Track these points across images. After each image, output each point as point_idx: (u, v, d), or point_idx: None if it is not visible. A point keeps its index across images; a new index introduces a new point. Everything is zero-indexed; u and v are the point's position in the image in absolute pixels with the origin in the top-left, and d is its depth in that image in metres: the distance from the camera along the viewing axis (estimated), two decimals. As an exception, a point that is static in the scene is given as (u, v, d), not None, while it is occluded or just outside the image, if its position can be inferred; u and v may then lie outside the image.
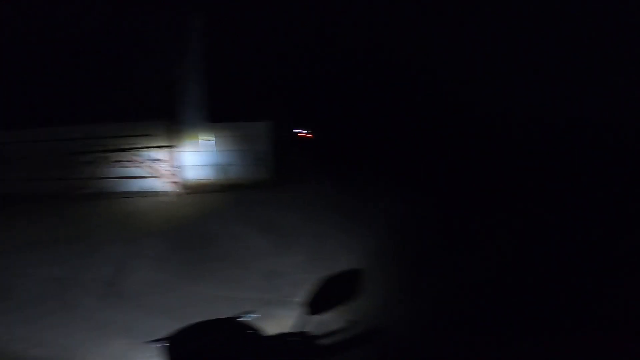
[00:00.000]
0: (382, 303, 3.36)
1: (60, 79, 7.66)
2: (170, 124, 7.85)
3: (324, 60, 11.49)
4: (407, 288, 3.79)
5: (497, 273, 4.01)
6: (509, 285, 3.64)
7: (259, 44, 9.34)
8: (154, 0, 7.43)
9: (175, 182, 7.64)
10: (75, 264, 4.50)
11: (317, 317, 1.13)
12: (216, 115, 7.76)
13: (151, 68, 7.71)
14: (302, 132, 12.24)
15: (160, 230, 5.65)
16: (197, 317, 1.30)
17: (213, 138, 7.63)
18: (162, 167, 7.60)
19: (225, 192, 7.73)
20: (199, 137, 7.60)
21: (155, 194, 7.67)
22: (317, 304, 1.10)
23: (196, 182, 8.16)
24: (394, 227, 5.52)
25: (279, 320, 2.45)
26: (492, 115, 10.06)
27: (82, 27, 7.47)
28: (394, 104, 11.49)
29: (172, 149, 7.81)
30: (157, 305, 3.54)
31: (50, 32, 7.61)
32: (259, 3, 8.53)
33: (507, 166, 7.86)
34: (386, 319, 3.11)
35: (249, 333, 1.18)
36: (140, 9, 7.31)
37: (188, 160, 8.13)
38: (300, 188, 7.94)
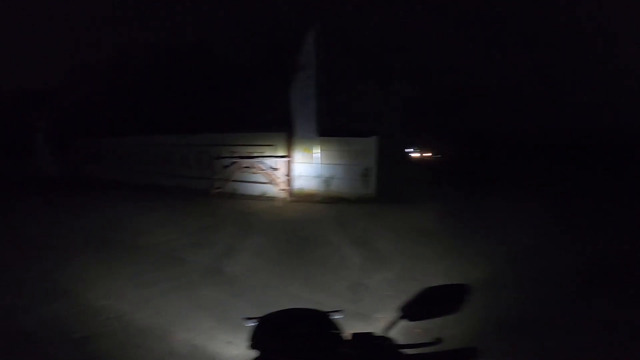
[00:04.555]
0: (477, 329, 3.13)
1: (206, 95, 9.67)
2: (288, 135, 8.88)
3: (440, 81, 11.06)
4: (504, 322, 3.39)
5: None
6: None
7: (376, 60, 9.64)
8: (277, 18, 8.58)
9: (285, 190, 8.55)
10: (194, 249, 5.50)
11: (408, 324, 1.12)
12: (328, 129, 8.37)
13: (276, 83, 8.93)
14: (420, 152, 12.05)
15: (269, 230, 6.44)
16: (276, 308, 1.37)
17: (319, 151, 8.26)
18: (278, 175, 8.62)
19: (328, 204, 8.24)
20: (309, 150, 8.35)
21: (269, 198, 8.75)
22: (413, 310, 1.08)
23: (303, 191, 8.96)
24: (496, 255, 5.00)
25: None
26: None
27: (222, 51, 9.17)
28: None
29: (287, 159, 8.80)
30: (241, 287, 4.06)
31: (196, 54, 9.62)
32: (373, 17, 8.87)
33: None
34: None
35: (333, 330, 1.21)
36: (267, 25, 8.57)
37: (299, 170, 9.00)
38: (402, 207, 7.86)
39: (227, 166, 9.19)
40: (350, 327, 1.11)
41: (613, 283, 4.03)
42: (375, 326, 3.00)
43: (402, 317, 1.08)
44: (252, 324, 1.25)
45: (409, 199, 8.24)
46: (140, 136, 10.63)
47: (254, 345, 1.12)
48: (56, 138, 10.60)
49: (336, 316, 1.29)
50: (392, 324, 1.07)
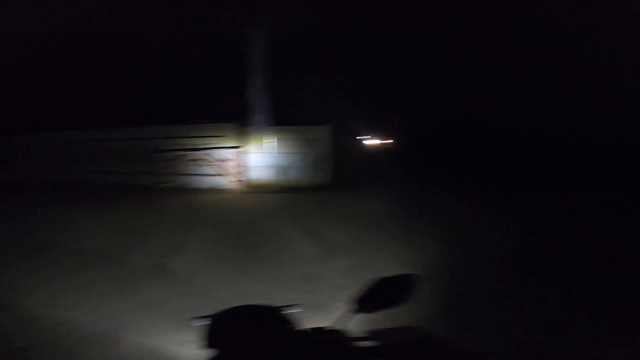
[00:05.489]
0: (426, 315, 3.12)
1: (144, 84, 8.82)
2: (239, 126, 8.44)
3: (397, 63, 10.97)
4: (454, 307, 3.42)
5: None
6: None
7: (328, 47, 9.39)
8: (222, 6, 8.02)
9: (239, 181, 8.15)
10: (134, 248, 5.00)
11: (363, 317, 1.10)
12: (281, 118, 8.08)
13: (222, 73, 8.41)
14: (377, 140, 12.02)
15: (217, 224, 6.04)
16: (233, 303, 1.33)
17: (275, 140, 7.96)
18: (230, 167, 8.17)
19: (283, 193, 7.99)
20: (263, 140, 8.00)
21: (221, 191, 8.29)
22: (365, 302, 1.08)
23: (258, 182, 8.61)
24: (450, 240, 5.10)
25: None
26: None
27: (163, 37, 8.38)
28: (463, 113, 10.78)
29: (239, 150, 8.37)
30: (190, 286, 3.80)
31: (137, 41, 8.67)
32: (324, 5, 8.58)
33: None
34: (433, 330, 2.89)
35: (288, 325, 1.18)
36: (212, 16, 7.97)
37: (252, 160, 8.62)
38: (354, 195, 7.83)
39: (171, 159, 8.52)
40: (307, 318, 1.07)
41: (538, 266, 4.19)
42: (332, 316, 2.90)
43: (357, 310, 1.08)
44: (203, 323, 1.19)
45: (363, 187, 8.23)
46: (71, 131, 9.50)
47: (208, 345, 1.11)
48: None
49: (291, 310, 1.25)
50: (346, 317, 1.06)
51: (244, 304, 1.27)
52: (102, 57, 9.70)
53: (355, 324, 1.09)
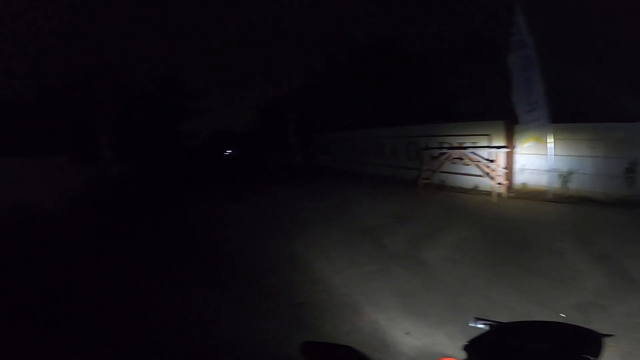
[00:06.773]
0: None
1: (414, 88, 9.70)
2: (507, 124, 7.67)
3: None
4: None
5: None
6: None
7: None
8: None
9: (504, 184, 7.41)
10: (399, 236, 5.68)
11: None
12: (562, 115, 6.66)
13: (489, 67, 7.90)
14: None
15: (476, 226, 5.82)
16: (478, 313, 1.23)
17: (552, 140, 6.64)
18: (494, 168, 7.60)
19: (564, 204, 6.52)
20: (539, 139, 6.85)
21: (485, 192, 7.85)
22: None
23: (527, 187, 7.48)
24: None
25: None
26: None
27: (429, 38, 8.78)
28: None
29: (507, 150, 7.61)
30: (436, 282, 3.91)
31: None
32: None
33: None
34: None
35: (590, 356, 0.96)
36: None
37: (522, 162, 7.60)
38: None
39: (435, 157, 8.93)
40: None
41: None
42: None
43: None
44: (481, 327, 1.10)
45: None
46: (358, 130, 12.06)
47: (470, 350, 1.00)
48: (299, 134, 13.81)
49: (605, 339, 1.02)
50: None
51: (545, 319, 1.10)
52: (379, 67, 11.44)
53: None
